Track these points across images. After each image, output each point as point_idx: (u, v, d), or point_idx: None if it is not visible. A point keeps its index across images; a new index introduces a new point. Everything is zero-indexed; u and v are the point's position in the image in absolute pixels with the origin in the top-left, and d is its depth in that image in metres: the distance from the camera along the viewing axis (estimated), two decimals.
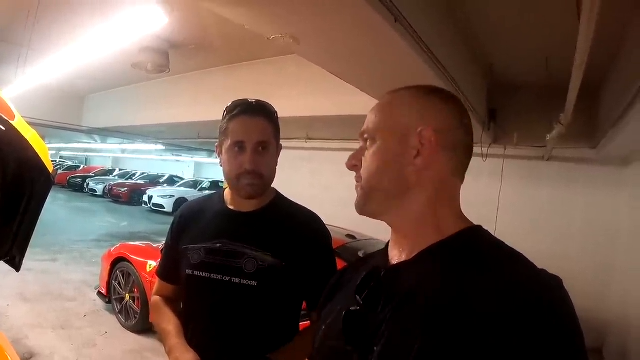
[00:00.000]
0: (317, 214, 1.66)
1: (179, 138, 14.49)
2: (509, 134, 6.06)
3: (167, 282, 1.69)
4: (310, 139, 8.94)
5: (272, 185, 1.62)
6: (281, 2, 2.49)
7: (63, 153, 33.98)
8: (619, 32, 3.65)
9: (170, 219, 1.75)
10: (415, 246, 0.87)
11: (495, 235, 0.87)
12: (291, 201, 1.67)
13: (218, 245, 1.51)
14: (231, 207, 1.58)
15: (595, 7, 1.86)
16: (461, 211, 0.91)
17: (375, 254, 1.04)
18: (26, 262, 1.97)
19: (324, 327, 0.96)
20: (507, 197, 6.38)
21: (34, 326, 5.01)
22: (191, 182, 23.22)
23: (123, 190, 21.71)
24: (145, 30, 3.90)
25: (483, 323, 0.69)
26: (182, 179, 25.93)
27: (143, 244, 6.17)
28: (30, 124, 1.79)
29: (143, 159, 29.96)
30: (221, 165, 1.55)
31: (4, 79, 6.61)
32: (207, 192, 15.74)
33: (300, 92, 6.75)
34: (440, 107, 0.90)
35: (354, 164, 0.95)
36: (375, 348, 0.79)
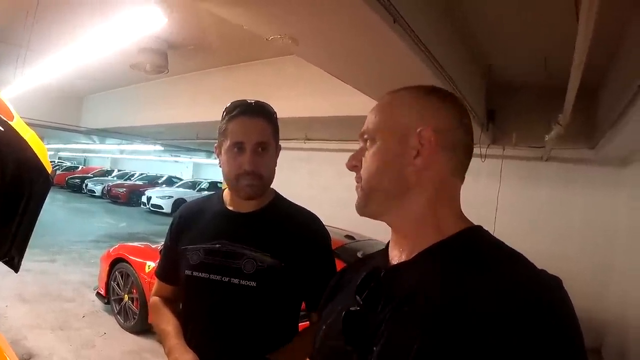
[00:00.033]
0: (316, 214, 1.67)
1: (178, 139, 14.49)
2: (508, 134, 6.07)
3: (166, 283, 1.69)
4: (308, 139, 8.94)
5: (271, 186, 1.62)
6: (280, 3, 2.49)
7: (61, 154, 33.99)
8: (618, 32, 3.65)
9: (169, 220, 1.75)
10: (415, 246, 0.87)
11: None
12: (290, 202, 1.67)
13: (217, 245, 1.50)
14: (230, 208, 1.58)
15: (593, 7, 1.86)
16: (461, 211, 0.91)
17: (375, 254, 1.04)
18: (25, 263, 1.97)
19: (324, 327, 0.96)
20: (506, 198, 6.38)
21: (32, 327, 5.00)
22: (190, 183, 23.21)
23: (122, 190, 21.70)
24: (144, 31, 3.90)
25: (483, 323, 0.69)
26: (180, 179, 25.93)
27: (142, 244, 6.16)
28: (28, 124, 1.80)
29: (142, 159, 29.95)
30: (220, 166, 1.55)
31: (3, 80, 6.61)
32: (206, 192, 15.74)
33: (298, 92, 6.75)
34: (439, 107, 0.90)
35: (354, 165, 0.95)
36: (374, 348, 0.79)
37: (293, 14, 2.62)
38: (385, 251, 0.97)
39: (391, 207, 0.90)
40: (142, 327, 5.10)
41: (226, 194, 1.62)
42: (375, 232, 4.23)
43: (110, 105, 11.19)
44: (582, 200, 6.23)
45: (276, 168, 1.59)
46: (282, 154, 1.61)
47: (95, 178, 25.34)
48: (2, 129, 1.64)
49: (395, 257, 0.91)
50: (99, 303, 5.91)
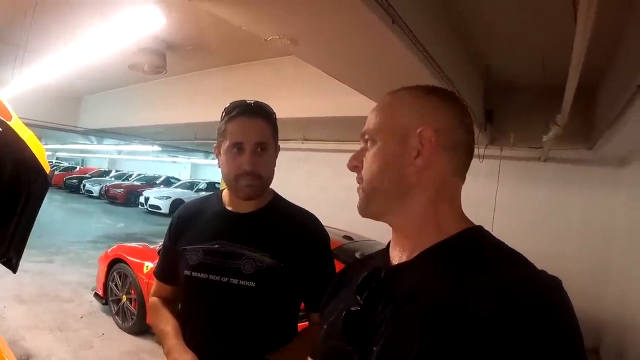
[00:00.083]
0: (315, 215, 1.66)
1: (176, 139, 14.47)
2: (506, 134, 6.08)
3: (165, 283, 1.68)
4: (306, 140, 8.95)
5: (269, 187, 1.62)
6: (279, 3, 2.49)
7: (59, 154, 33.89)
8: (616, 32, 3.66)
9: (167, 220, 1.75)
10: (416, 246, 0.87)
11: None
12: (289, 202, 1.67)
13: (216, 246, 1.50)
14: (229, 208, 1.58)
15: (592, 7, 1.86)
16: (462, 211, 0.91)
17: (376, 254, 1.04)
18: (22, 264, 1.96)
19: (325, 326, 0.96)
20: (504, 198, 6.39)
21: (30, 328, 4.99)
22: (188, 184, 23.15)
23: (119, 191, 21.66)
24: (143, 31, 3.90)
25: (483, 323, 0.69)
26: (178, 180, 25.88)
27: (140, 245, 6.15)
28: (26, 124, 1.79)
29: (139, 160, 29.86)
30: (219, 166, 1.55)
31: (1, 80, 6.60)
32: (204, 193, 15.72)
33: (297, 93, 6.75)
34: (439, 107, 0.90)
35: (354, 165, 0.95)
36: (374, 348, 0.79)
37: (292, 14, 2.62)
38: (386, 251, 0.97)
39: (392, 207, 0.90)
40: (140, 328, 5.10)
41: (225, 194, 1.61)
42: (374, 232, 4.24)
43: (108, 105, 11.17)
44: (580, 201, 6.24)
45: (275, 168, 1.58)
46: (280, 155, 1.61)
47: (93, 178, 25.29)
48: (0, 129, 1.64)
49: (396, 257, 0.91)
50: (96, 304, 5.90)
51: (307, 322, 1.61)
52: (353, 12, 2.45)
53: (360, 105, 5.10)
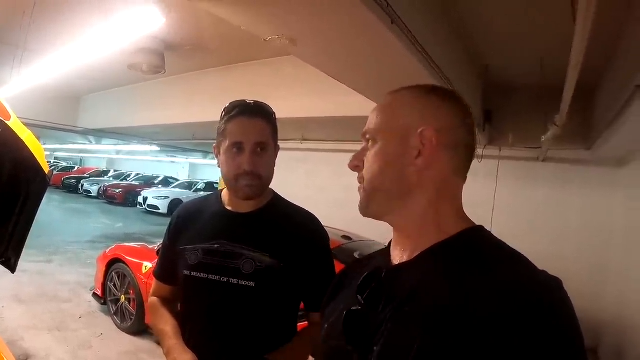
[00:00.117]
0: (314, 214, 1.66)
1: (174, 139, 14.48)
2: (504, 134, 6.09)
3: (164, 283, 1.68)
4: (305, 140, 8.95)
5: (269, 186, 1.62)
6: (279, 3, 2.49)
7: (58, 154, 33.86)
8: (615, 32, 3.66)
9: (165, 220, 1.75)
10: (417, 246, 0.87)
11: None
12: (289, 202, 1.67)
13: (216, 246, 1.50)
14: (229, 208, 1.57)
15: (591, 7, 1.86)
16: (463, 211, 0.91)
17: (376, 254, 1.04)
18: (21, 264, 1.96)
19: (326, 326, 0.97)
20: (503, 198, 6.40)
21: (29, 328, 4.98)
22: (186, 184, 23.13)
23: (118, 191, 21.63)
24: (142, 31, 3.89)
25: (483, 323, 0.69)
26: (177, 180, 25.85)
27: (138, 245, 6.14)
28: (25, 124, 1.79)
29: (138, 160, 29.84)
30: (219, 166, 1.55)
31: (0, 80, 6.59)
32: (202, 193, 15.72)
33: (296, 93, 6.74)
34: (440, 106, 0.90)
35: (356, 165, 0.95)
36: (375, 348, 0.79)
37: (292, 14, 2.62)
38: (386, 251, 0.97)
39: (393, 207, 0.90)
40: (139, 328, 5.09)
41: (224, 194, 1.61)
42: (372, 232, 4.24)
43: (107, 105, 11.16)
44: (579, 201, 6.25)
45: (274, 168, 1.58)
46: (279, 154, 1.61)
47: (91, 178, 25.24)
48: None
49: (397, 257, 0.91)
50: (95, 304, 5.89)
51: (306, 322, 1.61)
52: (352, 12, 2.45)
53: (359, 105, 5.10)
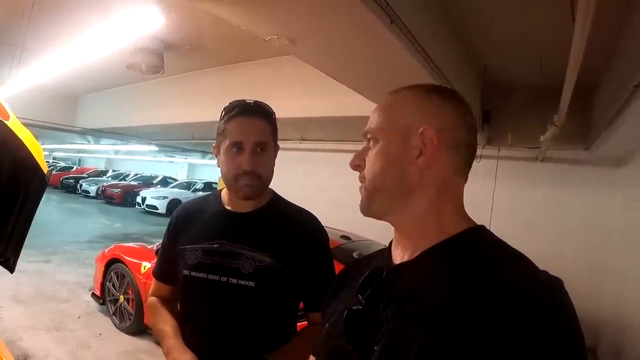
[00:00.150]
0: (314, 214, 1.66)
1: (173, 139, 14.47)
2: (503, 134, 6.09)
3: (163, 283, 1.68)
4: (304, 139, 8.95)
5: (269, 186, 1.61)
6: (278, 3, 2.49)
7: (56, 154, 33.86)
8: (614, 32, 3.66)
9: (164, 220, 1.75)
10: (418, 246, 0.87)
11: None
12: (288, 202, 1.66)
13: (215, 245, 1.50)
14: (228, 208, 1.57)
15: (590, 7, 1.86)
16: (464, 211, 0.91)
17: (376, 254, 1.04)
18: (19, 264, 1.95)
19: (327, 326, 0.96)
20: (501, 198, 6.40)
21: (27, 328, 4.97)
22: (185, 183, 23.13)
23: (116, 191, 21.61)
24: (141, 31, 3.89)
25: (484, 323, 0.69)
26: (175, 180, 25.85)
27: (137, 245, 6.13)
28: (24, 124, 1.79)
29: (136, 160, 29.85)
30: (219, 166, 1.54)
31: None
32: (201, 193, 15.72)
33: (295, 93, 6.74)
34: (441, 105, 0.89)
35: (357, 164, 0.94)
36: (375, 347, 0.79)
37: (291, 13, 2.62)
38: (387, 251, 0.97)
39: (395, 207, 0.90)
40: (138, 328, 5.09)
41: (224, 194, 1.61)
42: (372, 232, 4.24)
43: (105, 105, 11.16)
44: (578, 201, 6.26)
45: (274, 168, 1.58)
46: (278, 154, 1.61)
47: (89, 178, 25.23)
48: None
49: (398, 256, 0.91)
50: (94, 304, 5.88)
51: (306, 322, 1.61)
52: (352, 12, 2.45)
53: (358, 105, 5.11)
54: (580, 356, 0.70)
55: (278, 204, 1.62)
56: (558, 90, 3.60)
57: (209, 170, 27.68)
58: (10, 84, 6.29)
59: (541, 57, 4.81)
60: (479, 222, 0.90)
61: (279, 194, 1.67)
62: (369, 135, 0.93)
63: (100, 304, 5.74)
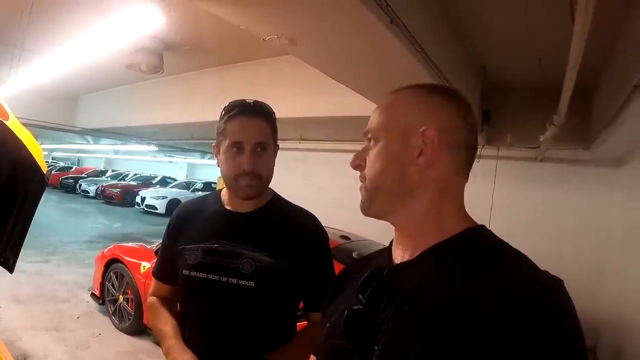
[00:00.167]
0: (314, 214, 1.66)
1: (173, 139, 14.46)
2: (503, 134, 6.09)
3: (163, 283, 1.68)
4: (304, 139, 8.95)
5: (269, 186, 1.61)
6: (278, 2, 2.49)
7: (55, 154, 33.84)
8: (613, 32, 3.66)
9: (163, 220, 1.75)
10: (419, 246, 0.87)
11: None
12: (288, 202, 1.66)
13: (215, 245, 1.50)
14: (228, 208, 1.57)
15: (590, 7, 1.87)
16: (465, 210, 0.91)
17: (376, 254, 1.04)
18: (19, 264, 1.95)
19: (328, 325, 0.96)
20: (501, 198, 6.40)
21: (27, 328, 4.97)
22: (184, 183, 23.12)
23: (115, 191, 21.59)
24: (141, 31, 3.89)
25: (484, 323, 0.69)
26: (175, 180, 25.84)
27: (137, 245, 6.13)
28: (23, 124, 1.78)
29: (136, 160, 29.83)
30: (219, 166, 1.54)
31: None
32: (200, 193, 15.71)
33: (295, 93, 6.74)
34: (442, 105, 0.89)
35: (358, 164, 0.94)
36: (376, 347, 0.79)
37: (291, 13, 2.62)
38: (388, 250, 0.96)
39: (395, 206, 0.90)
40: (137, 328, 5.08)
41: (224, 194, 1.61)
42: (371, 232, 4.23)
43: (105, 105, 11.15)
44: (577, 201, 6.25)
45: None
46: (278, 154, 1.60)
47: (89, 178, 25.20)
48: None
49: (399, 256, 0.91)
50: (93, 304, 5.88)
51: (306, 322, 1.61)
52: (351, 12, 2.45)
53: (358, 105, 5.11)
54: (581, 356, 0.70)
55: (278, 203, 1.62)
56: (557, 90, 3.60)
57: (208, 170, 27.67)
58: (9, 84, 6.29)
59: (540, 57, 4.81)
60: (478, 222, 0.90)
61: (278, 194, 1.66)
62: (369, 135, 0.93)
63: (100, 304, 5.73)
